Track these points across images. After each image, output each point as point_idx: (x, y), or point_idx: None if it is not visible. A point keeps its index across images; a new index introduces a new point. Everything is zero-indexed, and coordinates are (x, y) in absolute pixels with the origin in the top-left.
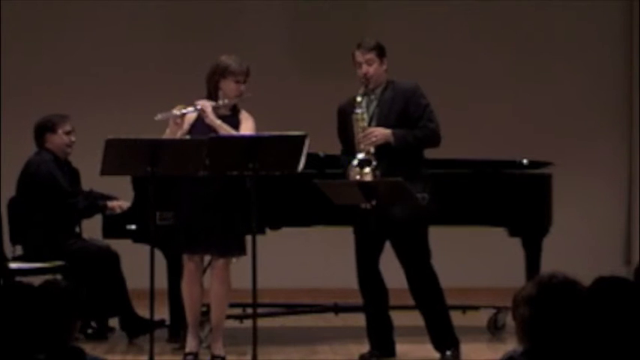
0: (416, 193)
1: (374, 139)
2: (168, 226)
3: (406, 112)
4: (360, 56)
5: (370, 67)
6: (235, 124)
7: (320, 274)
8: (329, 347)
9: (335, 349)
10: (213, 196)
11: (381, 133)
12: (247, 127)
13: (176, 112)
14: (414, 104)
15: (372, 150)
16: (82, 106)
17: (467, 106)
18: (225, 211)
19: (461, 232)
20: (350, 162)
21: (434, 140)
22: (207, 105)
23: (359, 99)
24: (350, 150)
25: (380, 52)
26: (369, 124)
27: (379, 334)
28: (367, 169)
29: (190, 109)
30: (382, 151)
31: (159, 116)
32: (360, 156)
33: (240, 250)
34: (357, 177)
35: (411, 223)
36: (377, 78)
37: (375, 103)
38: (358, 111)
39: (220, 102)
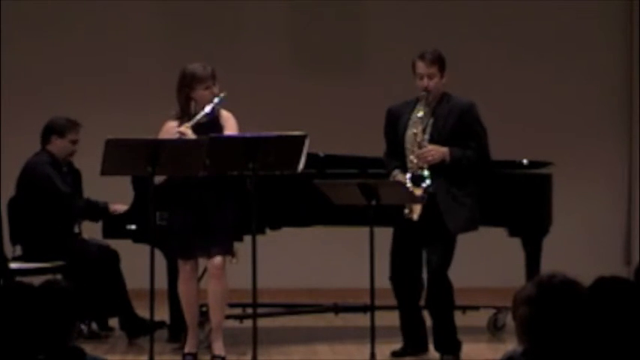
0: (467, 207)
1: (430, 158)
2: (167, 226)
3: (460, 127)
4: (422, 68)
5: (432, 80)
6: (217, 127)
7: (320, 274)
8: (329, 347)
9: (335, 349)
10: (203, 199)
11: (439, 152)
12: (230, 128)
13: None
14: (469, 122)
15: (426, 166)
16: (82, 106)
17: None
18: (216, 212)
19: None
20: (397, 171)
21: (485, 162)
22: (185, 130)
23: (420, 115)
24: (395, 152)
25: (442, 65)
26: (422, 135)
27: (412, 330)
28: (419, 189)
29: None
30: (434, 166)
31: None
32: (421, 172)
33: (227, 250)
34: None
35: (459, 233)
36: (436, 91)
37: (429, 115)
38: (419, 127)
39: (198, 117)
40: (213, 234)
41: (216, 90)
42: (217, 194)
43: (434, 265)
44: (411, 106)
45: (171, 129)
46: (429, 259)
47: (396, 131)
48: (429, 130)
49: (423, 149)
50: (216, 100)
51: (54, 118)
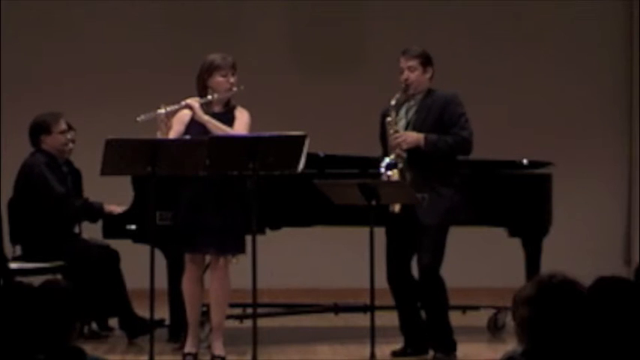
0: (447, 198)
1: (404, 145)
2: (169, 226)
3: (442, 119)
4: (403, 62)
5: (412, 73)
6: (230, 120)
7: (320, 274)
8: (329, 347)
9: (335, 349)
10: (211, 195)
11: (412, 137)
12: (241, 121)
13: (161, 111)
14: (449, 112)
15: (404, 154)
16: (82, 106)
17: (467, 106)
18: (224, 210)
19: (461, 232)
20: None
21: (465, 148)
22: (193, 102)
23: (393, 102)
24: (386, 154)
25: (424, 60)
26: (406, 129)
27: (412, 331)
28: (394, 171)
29: (175, 106)
30: (415, 155)
31: (141, 117)
32: (388, 159)
33: (239, 248)
34: (383, 177)
35: (441, 225)
36: (417, 85)
37: (414, 109)
38: (392, 114)
39: (209, 97)
40: (217, 233)
41: (233, 80)
42: (221, 194)
43: (423, 264)
44: (398, 102)
45: (184, 117)
46: (418, 258)
47: (387, 132)
48: (412, 123)
49: (396, 134)
50: (233, 90)
51: (34, 119)
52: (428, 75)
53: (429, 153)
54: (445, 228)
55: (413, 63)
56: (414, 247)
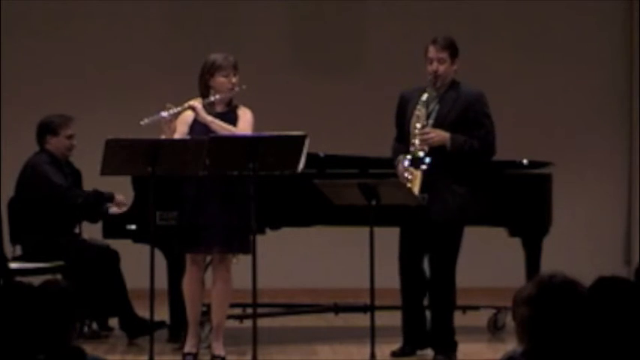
0: (458, 195)
1: (430, 140)
2: (169, 226)
3: (466, 116)
4: (433, 52)
5: (441, 65)
6: (233, 119)
7: (320, 274)
8: (329, 347)
9: (335, 349)
10: (216, 193)
11: (440, 135)
12: (245, 120)
13: (164, 113)
14: (475, 111)
15: (426, 149)
16: (82, 106)
17: None
18: (229, 207)
19: None
20: (402, 156)
21: (489, 153)
22: (196, 103)
23: (424, 97)
24: (403, 137)
25: (453, 51)
26: (427, 120)
27: (414, 330)
28: (417, 172)
29: (178, 108)
30: (436, 151)
31: (145, 121)
32: (421, 154)
33: (244, 248)
34: (406, 174)
35: (452, 222)
36: (445, 77)
37: (436, 100)
38: (422, 109)
39: (212, 98)
40: (222, 231)
41: (235, 80)
42: (225, 192)
43: (434, 264)
44: (421, 91)
45: (187, 117)
46: (430, 258)
47: (404, 115)
48: (433, 115)
49: (424, 130)
50: (235, 90)
51: (45, 118)
52: (455, 67)
53: (453, 154)
54: (457, 226)
55: (443, 55)
56: (427, 244)
